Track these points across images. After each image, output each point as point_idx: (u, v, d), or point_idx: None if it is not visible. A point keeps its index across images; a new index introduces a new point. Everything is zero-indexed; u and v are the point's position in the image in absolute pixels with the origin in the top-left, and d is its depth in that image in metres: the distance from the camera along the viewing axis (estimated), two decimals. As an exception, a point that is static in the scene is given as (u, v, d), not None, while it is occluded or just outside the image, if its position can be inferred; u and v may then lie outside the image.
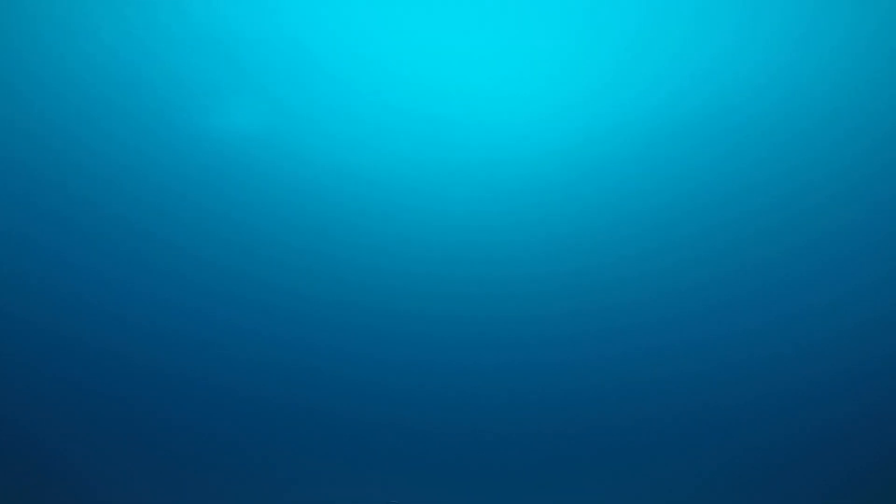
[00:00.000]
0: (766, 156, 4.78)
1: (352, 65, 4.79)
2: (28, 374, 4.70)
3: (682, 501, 4.66)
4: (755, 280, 4.76)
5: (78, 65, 4.74)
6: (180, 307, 4.77)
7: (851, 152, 4.74)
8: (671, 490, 4.68)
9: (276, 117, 4.78)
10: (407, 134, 4.81)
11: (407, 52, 4.79)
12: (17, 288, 4.72)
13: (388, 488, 4.73)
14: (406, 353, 4.81)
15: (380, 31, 4.78)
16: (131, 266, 4.77)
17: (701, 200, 4.80)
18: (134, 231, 4.77)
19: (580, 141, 4.80)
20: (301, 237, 4.80)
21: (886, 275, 4.68)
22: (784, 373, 4.71)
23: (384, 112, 4.80)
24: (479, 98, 4.82)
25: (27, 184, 4.76)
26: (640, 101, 4.78)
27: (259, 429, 4.75)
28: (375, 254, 4.81)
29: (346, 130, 4.81)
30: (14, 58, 4.73)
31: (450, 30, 4.78)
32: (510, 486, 4.74)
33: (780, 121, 4.77)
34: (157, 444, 4.71)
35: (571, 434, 4.74)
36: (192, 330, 4.77)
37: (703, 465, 4.68)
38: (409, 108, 4.81)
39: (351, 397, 4.78)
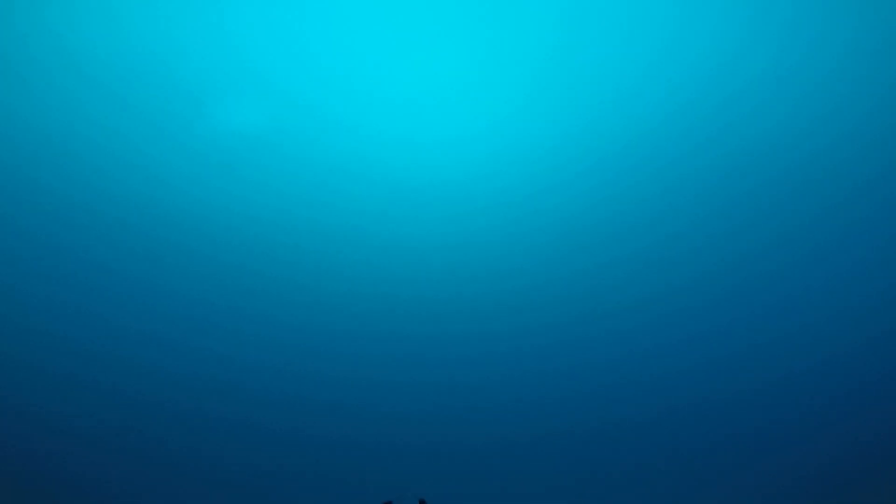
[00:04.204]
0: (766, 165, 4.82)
1: (352, 66, 4.84)
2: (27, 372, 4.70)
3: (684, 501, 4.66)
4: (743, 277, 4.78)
5: (82, 63, 4.77)
6: (184, 303, 4.78)
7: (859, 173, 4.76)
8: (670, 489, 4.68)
9: (278, 117, 4.81)
10: (412, 133, 4.85)
11: (407, 52, 4.83)
12: (15, 287, 4.73)
13: (391, 487, 4.72)
14: (405, 349, 4.82)
15: (380, 34, 4.83)
16: (135, 264, 4.77)
17: (697, 210, 4.83)
18: (136, 231, 4.78)
19: (574, 147, 4.84)
20: (302, 235, 4.82)
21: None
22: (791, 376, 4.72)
23: (387, 115, 4.84)
24: (481, 92, 4.87)
25: (29, 182, 4.77)
26: (636, 103, 4.83)
27: (264, 428, 4.75)
28: (376, 253, 4.83)
29: (349, 130, 4.85)
30: (18, 56, 4.77)
31: (449, 28, 4.84)
32: (512, 487, 4.73)
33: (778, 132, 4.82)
34: (156, 446, 4.70)
35: (564, 438, 4.74)
36: (193, 328, 4.77)
37: (701, 464, 4.68)
38: (413, 109, 4.85)
39: (348, 395, 4.79)
